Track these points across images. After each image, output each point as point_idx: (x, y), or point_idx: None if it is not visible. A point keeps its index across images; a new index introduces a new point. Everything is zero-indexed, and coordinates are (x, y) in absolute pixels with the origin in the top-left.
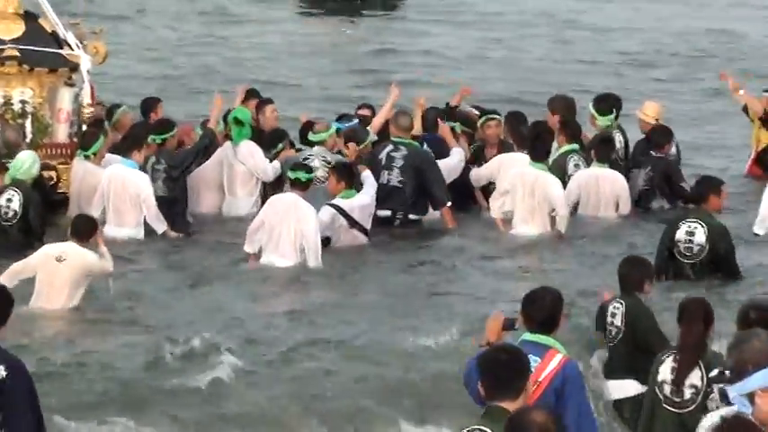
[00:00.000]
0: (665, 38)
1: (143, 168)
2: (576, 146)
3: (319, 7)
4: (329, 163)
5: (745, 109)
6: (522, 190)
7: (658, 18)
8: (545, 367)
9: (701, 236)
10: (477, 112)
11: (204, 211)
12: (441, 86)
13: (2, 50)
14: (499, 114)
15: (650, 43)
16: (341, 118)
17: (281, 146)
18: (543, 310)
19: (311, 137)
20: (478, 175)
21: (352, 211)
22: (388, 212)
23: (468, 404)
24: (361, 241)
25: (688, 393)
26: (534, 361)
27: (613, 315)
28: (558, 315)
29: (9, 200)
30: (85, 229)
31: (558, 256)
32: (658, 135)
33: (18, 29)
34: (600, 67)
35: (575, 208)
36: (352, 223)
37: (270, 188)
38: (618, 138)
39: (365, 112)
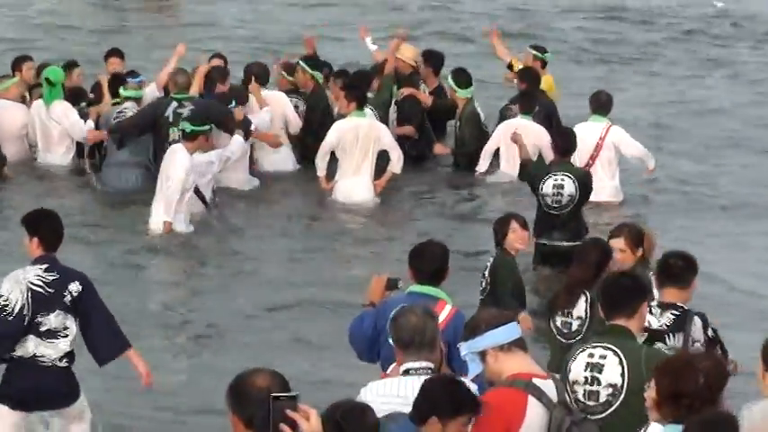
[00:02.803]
0: None
1: None
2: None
3: None
4: None
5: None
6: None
7: None
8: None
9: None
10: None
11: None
12: None
13: None
14: None
15: None
16: (130, 74)
17: (83, 104)
18: (433, 262)
19: (123, 92)
20: None
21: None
22: None
23: None
24: None
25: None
26: None
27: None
28: (445, 267)
29: None
30: None
31: None
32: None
33: None
34: None
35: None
36: None
37: None
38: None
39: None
